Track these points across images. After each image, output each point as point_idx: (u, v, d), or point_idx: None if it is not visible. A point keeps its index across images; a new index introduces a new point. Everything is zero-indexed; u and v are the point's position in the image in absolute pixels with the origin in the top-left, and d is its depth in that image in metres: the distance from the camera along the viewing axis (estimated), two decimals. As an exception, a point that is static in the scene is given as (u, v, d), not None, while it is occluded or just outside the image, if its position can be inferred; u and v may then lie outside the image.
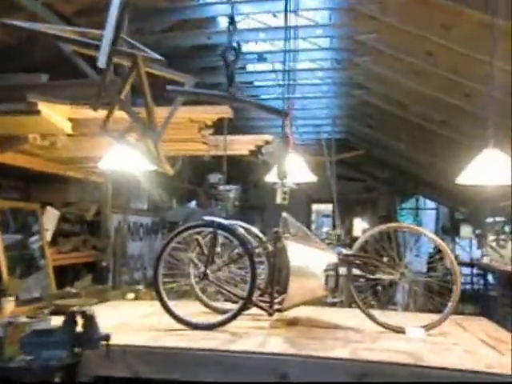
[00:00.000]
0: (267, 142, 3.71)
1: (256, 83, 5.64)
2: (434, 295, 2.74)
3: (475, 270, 8.28)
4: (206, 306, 2.73)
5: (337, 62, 5.00)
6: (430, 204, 10.64)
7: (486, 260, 7.32)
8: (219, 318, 2.32)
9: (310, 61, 4.88)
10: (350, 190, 8.96)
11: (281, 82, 4.29)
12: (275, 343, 2.11)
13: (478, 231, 8.13)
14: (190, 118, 3.37)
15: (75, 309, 1.55)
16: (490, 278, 7.73)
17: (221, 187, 4.87)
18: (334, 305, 3.60)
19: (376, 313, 2.53)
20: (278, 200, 2.48)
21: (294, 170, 2.90)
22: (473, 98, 4.27)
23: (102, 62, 1.77)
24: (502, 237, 7.52)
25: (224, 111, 3.26)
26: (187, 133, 3.48)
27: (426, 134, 5.69)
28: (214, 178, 5.02)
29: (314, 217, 10.71)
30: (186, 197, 6.87)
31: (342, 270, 2.50)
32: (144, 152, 2.44)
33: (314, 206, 10.36)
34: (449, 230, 9.66)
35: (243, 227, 2.70)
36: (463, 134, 5.07)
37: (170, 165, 3.49)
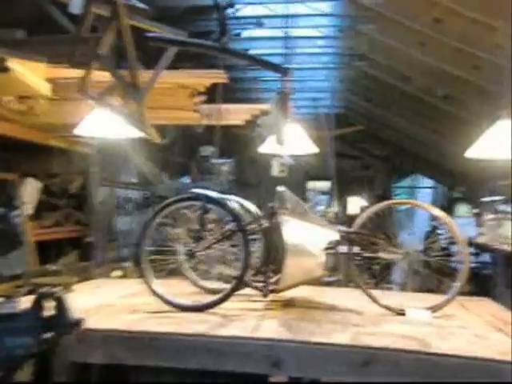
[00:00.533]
0: (264, 113, 3.47)
1: (252, 51, 5.34)
2: (434, 274, 2.60)
3: (471, 249, 8.24)
4: (196, 285, 2.56)
5: (339, 30, 4.72)
6: (427, 183, 10.51)
7: (482, 239, 7.24)
8: (209, 299, 2.14)
9: (310, 28, 4.60)
10: (347, 168, 8.78)
11: (279, 51, 4.03)
12: (269, 327, 1.94)
13: (475, 210, 8.03)
14: (180, 84, 3.13)
15: (43, 290, 1.36)
16: (485, 257, 7.67)
17: (213, 160, 4.65)
18: (330, 284, 3.45)
19: (377, 293, 2.37)
20: (275, 172, 2.27)
21: (294, 141, 2.68)
22: (481, 70, 4.04)
23: (75, 6, 1.52)
24: (500, 216, 7.44)
25: (218, 76, 3.01)
26: (177, 100, 3.23)
27: (428, 109, 5.48)
28: (206, 150, 4.79)
29: (310, 194, 10.55)
30: (178, 171, 6.64)
31: (342, 249, 2.33)
32: (127, 116, 2.21)
33: (310, 184, 10.18)
34: (445, 209, 9.58)
35: (237, 202, 2.51)
36: (468, 109, 4.86)
37: (161, 135, 3.26)
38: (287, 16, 3.34)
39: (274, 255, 2.22)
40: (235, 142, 6.60)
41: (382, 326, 2.05)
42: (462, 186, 8.70)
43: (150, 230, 2.18)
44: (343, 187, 8.06)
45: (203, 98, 3.19)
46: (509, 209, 7.15)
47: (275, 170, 2.29)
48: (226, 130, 3.91)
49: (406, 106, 5.70)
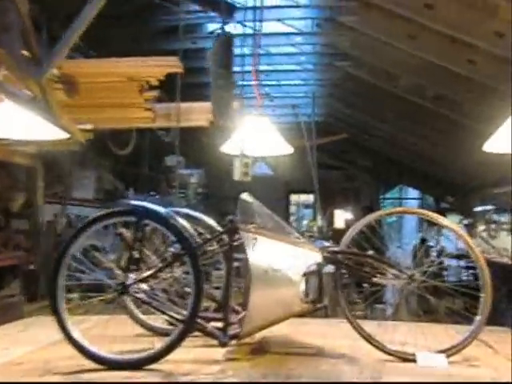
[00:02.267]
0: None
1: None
2: (430, 294, 2.07)
3: (463, 263, 7.80)
4: (142, 325, 1.98)
5: (317, 24, 4.26)
6: (414, 194, 10.12)
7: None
8: (146, 352, 1.55)
9: (284, 21, 4.13)
10: (331, 179, 8.31)
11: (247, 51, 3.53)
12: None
13: (466, 221, 7.62)
14: (127, 75, 2.59)
15: None
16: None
17: (180, 171, 4.09)
18: (314, 313, 2.88)
19: (372, 326, 1.83)
20: (238, 174, 1.74)
21: (263, 139, 2.15)
22: (479, 64, 3.60)
23: None
24: (493, 226, 7.03)
25: (171, 64, 2.49)
26: (125, 96, 2.69)
27: (416, 112, 5.04)
28: (171, 160, 4.22)
29: (293, 208, 10.03)
30: (145, 185, 6.05)
31: (328, 268, 1.80)
32: (34, 106, 1.64)
33: (294, 197, 9.68)
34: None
35: (191, 216, 1.96)
36: (462, 111, 4.42)
37: (123, 145, 2.70)
38: (256, 8, 2.84)
39: (238, 286, 1.67)
40: (213, 152, 6.07)
41: (387, 380, 1.49)
42: (451, 195, 8.30)
43: (67, 258, 1.60)
44: (327, 200, 7.56)
45: (155, 93, 2.65)
46: (503, 218, 6.75)
47: (237, 172, 1.76)
48: (200, 137, 3.38)
49: (393, 110, 5.27)
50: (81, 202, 4.45)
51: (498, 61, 3.40)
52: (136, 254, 1.61)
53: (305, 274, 1.69)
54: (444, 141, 5.25)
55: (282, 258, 1.68)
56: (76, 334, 1.58)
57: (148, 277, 1.60)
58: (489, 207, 6.99)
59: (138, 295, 1.59)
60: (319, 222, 5.49)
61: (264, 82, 5.45)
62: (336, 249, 1.82)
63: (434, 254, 7.59)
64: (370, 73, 4.68)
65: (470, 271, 7.42)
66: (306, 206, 9.07)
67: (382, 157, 7.94)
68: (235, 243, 1.61)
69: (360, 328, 1.76)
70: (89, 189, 4.47)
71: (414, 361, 1.67)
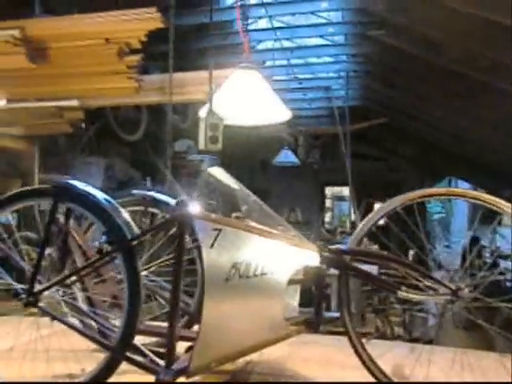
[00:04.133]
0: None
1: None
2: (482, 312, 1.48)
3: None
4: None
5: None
6: (464, 187, 9.17)
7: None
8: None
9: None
10: (369, 171, 7.62)
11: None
12: None
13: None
14: (103, 37, 2.16)
15: None
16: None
17: (190, 157, 3.66)
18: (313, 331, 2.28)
19: (400, 353, 1.30)
20: (201, 142, 1.28)
21: (254, 100, 1.65)
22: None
23: None
24: None
25: (150, 16, 2.03)
26: (101, 62, 2.27)
27: (468, 87, 4.30)
28: (181, 145, 3.78)
29: (329, 202, 9.40)
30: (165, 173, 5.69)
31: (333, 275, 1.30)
32: None
33: (329, 190, 9.06)
34: (486, 218, 8.21)
35: (159, 201, 1.53)
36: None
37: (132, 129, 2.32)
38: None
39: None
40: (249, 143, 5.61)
41: None
42: (509, 189, 7.35)
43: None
44: (364, 193, 6.90)
45: (138, 57, 2.21)
46: None
47: (202, 138, 1.30)
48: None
49: (438, 86, 4.55)
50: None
51: None
52: (55, 251, 1.17)
53: (291, 282, 1.19)
54: (502, 123, 4.48)
55: (257, 258, 1.18)
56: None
57: (61, 281, 1.16)
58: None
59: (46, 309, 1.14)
60: (353, 216, 4.89)
61: (291, 62, 4.92)
62: (342, 247, 1.30)
63: (488, 255, 6.74)
64: (409, 41, 4.01)
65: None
66: (341, 199, 8.42)
67: (428, 144, 7.14)
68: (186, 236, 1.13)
69: (363, 352, 1.23)
70: (97, 177, 4.15)
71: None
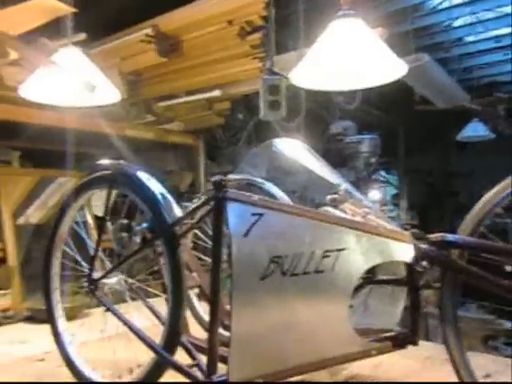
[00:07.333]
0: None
1: None
2: None
3: None
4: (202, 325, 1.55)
5: None
6: None
7: None
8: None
9: None
10: None
11: None
12: None
13: None
14: (224, 19, 2.12)
15: None
16: None
17: (348, 139, 3.33)
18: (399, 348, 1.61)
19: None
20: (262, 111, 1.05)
21: (359, 55, 1.31)
22: None
23: None
24: None
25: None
26: (228, 45, 2.22)
27: None
28: (337, 127, 3.48)
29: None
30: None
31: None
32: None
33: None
34: None
35: (252, 184, 1.40)
36: None
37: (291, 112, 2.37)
38: None
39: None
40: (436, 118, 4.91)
41: None
42: None
43: (59, 237, 1.29)
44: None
45: (259, 34, 2.07)
46: None
47: (261, 105, 1.08)
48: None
49: None
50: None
51: None
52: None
53: (360, 286, 0.85)
54: None
55: (311, 251, 0.89)
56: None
57: (114, 268, 1.12)
58: None
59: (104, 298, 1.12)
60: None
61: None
62: (447, 236, 0.87)
63: None
64: None
65: None
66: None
67: None
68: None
69: None
70: (261, 167, 4.23)
71: None
